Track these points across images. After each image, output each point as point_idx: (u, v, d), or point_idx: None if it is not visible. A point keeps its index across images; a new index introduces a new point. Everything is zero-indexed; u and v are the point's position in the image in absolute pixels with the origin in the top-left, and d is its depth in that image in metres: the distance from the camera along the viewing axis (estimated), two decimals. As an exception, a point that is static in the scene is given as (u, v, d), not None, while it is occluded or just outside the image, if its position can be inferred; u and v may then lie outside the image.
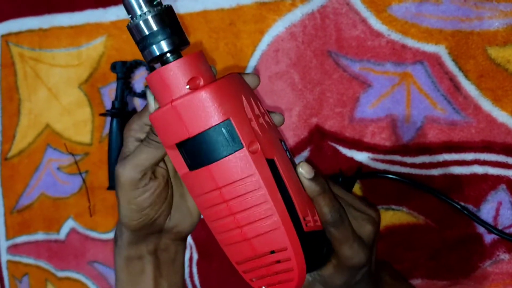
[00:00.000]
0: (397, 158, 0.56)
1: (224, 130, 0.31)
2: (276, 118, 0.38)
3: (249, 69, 0.62)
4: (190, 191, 0.35)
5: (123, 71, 0.69)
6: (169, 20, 0.33)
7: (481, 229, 0.53)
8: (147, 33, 0.32)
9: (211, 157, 0.32)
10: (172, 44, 0.32)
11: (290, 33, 0.60)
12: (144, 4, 0.32)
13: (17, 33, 0.79)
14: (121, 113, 0.69)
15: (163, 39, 0.32)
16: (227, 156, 0.32)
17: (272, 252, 0.33)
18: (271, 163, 0.33)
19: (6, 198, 0.82)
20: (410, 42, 0.54)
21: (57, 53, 0.76)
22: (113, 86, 0.71)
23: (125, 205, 0.38)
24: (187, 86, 0.32)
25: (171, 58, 0.33)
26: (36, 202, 0.79)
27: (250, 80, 0.37)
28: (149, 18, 0.32)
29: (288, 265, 0.33)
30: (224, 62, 0.64)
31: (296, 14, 0.59)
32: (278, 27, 0.60)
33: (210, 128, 0.31)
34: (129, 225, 0.39)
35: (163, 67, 0.32)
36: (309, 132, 0.59)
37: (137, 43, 0.33)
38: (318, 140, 0.59)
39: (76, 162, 0.75)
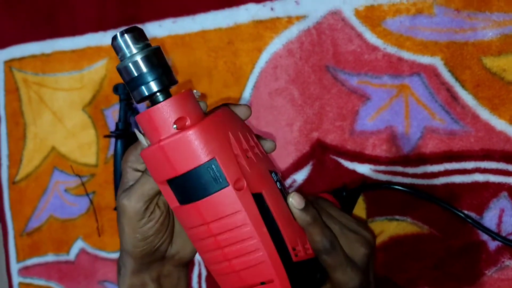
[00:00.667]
0: (399, 169, 0.57)
1: (210, 169, 0.32)
2: (267, 145, 0.38)
3: (249, 87, 0.63)
4: (181, 223, 0.36)
5: (125, 92, 0.70)
6: (157, 61, 0.33)
7: (485, 237, 0.54)
8: (136, 74, 0.33)
9: (198, 194, 0.33)
10: (161, 84, 0.33)
11: (288, 49, 0.61)
12: (133, 45, 0.33)
13: (20, 59, 0.80)
14: (125, 134, 0.70)
15: (152, 80, 0.33)
16: (213, 193, 0.33)
17: (262, 283, 0.34)
18: (258, 198, 0.34)
19: (15, 221, 0.83)
20: (406, 55, 0.55)
21: (60, 77, 0.77)
22: (116, 107, 0.72)
23: (130, 234, 0.38)
24: (174, 126, 0.32)
25: (160, 98, 0.33)
26: (45, 225, 0.80)
27: (241, 112, 0.37)
28: (138, 59, 0.33)
29: None
30: (224, 80, 0.65)
31: (293, 31, 0.60)
32: (276, 44, 0.61)
33: (196, 167, 0.32)
34: (132, 253, 0.39)
35: (151, 108, 0.33)
36: (311, 147, 0.60)
37: (127, 83, 0.34)
38: (320, 154, 0.60)
39: (83, 184, 0.76)
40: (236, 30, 0.63)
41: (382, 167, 0.57)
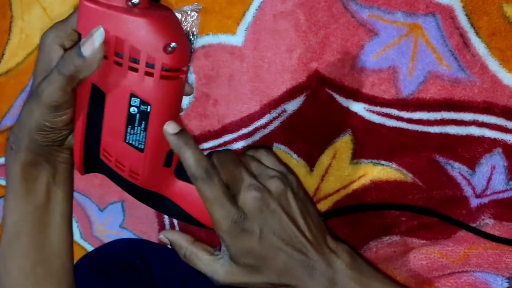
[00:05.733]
0: (394, 112, 0.54)
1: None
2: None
3: (253, 6, 0.60)
4: None
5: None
6: None
7: (469, 193, 0.52)
8: None
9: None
10: None
11: (301, -29, 0.57)
12: None
13: None
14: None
15: None
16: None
17: None
18: (98, 93, 0.38)
19: (-12, 117, 0.80)
20: (424, -8, 0.52)
21: (55, -30, 0.73)
22: (111, 10, 0.68)
23: (39, 120, 0.38)
24: None
25: None
26: (19, 123, 0.77)
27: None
28: None
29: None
30: (229, -5, 0.61)
31: (310, -49, 0.56)
32: (289, -37, 0.57)
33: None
34: (35, 137, 0.39)
35: None
36: (308, 77, 0.57)
37: None
38: (316, 86, 0.57)
39: (64, 86, 0.73)
40: None
41: (377, 108, 0.55)
